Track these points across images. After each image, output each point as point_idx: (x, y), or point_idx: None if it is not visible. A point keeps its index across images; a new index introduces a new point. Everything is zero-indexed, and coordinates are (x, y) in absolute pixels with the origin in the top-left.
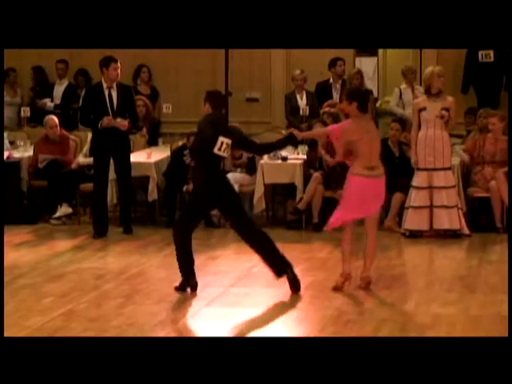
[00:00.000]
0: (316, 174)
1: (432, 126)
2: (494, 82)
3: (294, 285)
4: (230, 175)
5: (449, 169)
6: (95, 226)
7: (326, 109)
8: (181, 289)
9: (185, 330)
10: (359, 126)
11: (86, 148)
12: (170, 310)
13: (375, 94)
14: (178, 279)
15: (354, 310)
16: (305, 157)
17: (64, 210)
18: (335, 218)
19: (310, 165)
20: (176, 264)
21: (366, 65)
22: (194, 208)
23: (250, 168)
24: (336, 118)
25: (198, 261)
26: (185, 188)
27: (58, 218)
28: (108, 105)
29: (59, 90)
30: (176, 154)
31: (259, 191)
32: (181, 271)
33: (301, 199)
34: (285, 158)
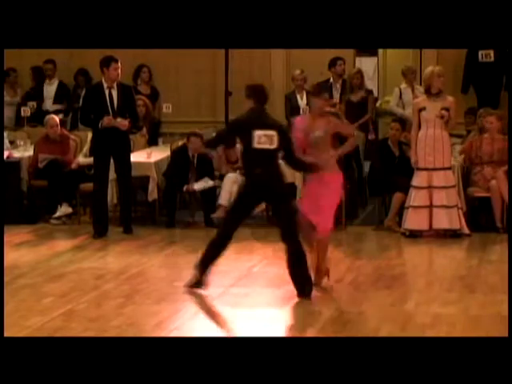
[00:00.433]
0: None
1: (432, 125)
2: (494, 82)
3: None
4: (229, 175)
5: (449, 168)
6: (95, 225)
7: (327, 109)
8: (196, 285)
9: (185, 330)
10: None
11: (86, 148)
12: (170, 310)
13: (375, 93)
14: (178, 279)
15: (354, 309)
16: None
17: (64, 209)
18: (332, 224)
19: None
20: (176, 263)
21: (366, 65)
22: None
23: None
24: (336, 118)
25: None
26: (185, 188)
27: (58, 218)
28: (108, 104)
29: (50, 89)
30: (176, 154)
31: None
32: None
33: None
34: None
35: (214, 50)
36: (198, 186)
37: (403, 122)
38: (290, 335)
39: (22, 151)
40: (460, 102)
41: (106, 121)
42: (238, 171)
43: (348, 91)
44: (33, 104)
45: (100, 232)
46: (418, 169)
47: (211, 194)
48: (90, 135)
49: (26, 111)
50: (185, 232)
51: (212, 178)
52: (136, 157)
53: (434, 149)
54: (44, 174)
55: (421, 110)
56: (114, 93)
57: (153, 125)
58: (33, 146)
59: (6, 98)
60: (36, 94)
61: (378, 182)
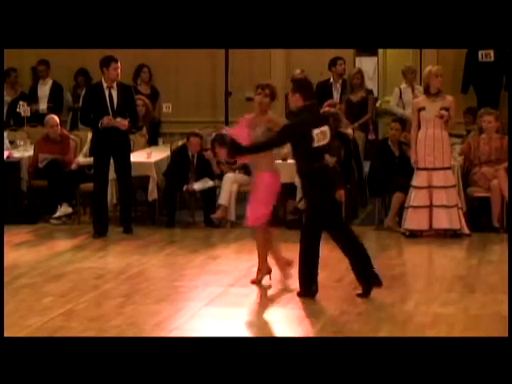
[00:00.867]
0: None
1: (432, 125)
2: (494, 82)
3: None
4: (229, 175)
5: (448, 168)
6: (95, 225)
7: (326, 108)
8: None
9: (185, 329)
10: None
11: (86, 148)
12: (170, 310)
13: (375, 93)
14: (178, 278)
15: (354, 309)
16: None
17: (64, 209)
18: (261, 214)
19: None
20: (176, 263)
21: (366, 64)
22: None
23: (247, 169)
24: (336, 118)
25: (198, 260)
26: (185, 188)
27: (58, 218)
28: (108, 104)
29: (44, 90)
30: (176, 154)
31: None
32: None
33: (301, 199)
34: (285, 158)
35: (213, 50)
36: (198, 185)
37: (403, 122)
38: (290, 335)
39: (22, 151)
40: (460, 101)
41: (106, 121)
42: (237, 171)
43: (348, 91)
44: (24, 103)
45: (100, 232)
46: (418, 169)
47: (211, 193)
48: (89, 135)
49: (25, 111)
50: (185, 232)
51: (212, 178)
52: (136, 157)
53: (433, 149)
54: (44, 173)
55: (420, 109)
56: (114, 93)
57: (153, 125)
58: (33, 146)
59: (7, 98)
60: (33, 94)
61: (378, 182)
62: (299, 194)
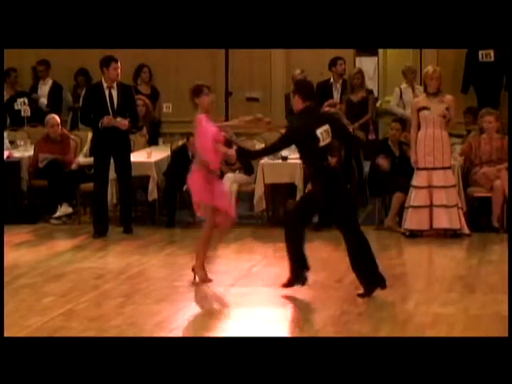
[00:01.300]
0: None
1: (431, 125)
2: (495, 82)
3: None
4: (228, 175)
5: (448, 168)
6: (95, 225)
7: (327, 108)
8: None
9: (185, 330)
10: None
11: (86, 148)
12: (170, 310)
13: (375, 93)
14: (178, 278)
15: (354, 309)
16: None
17: (64, 209)
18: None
19: None
20: (176, 263)
21: (367, 64)
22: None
23: (247, 169)
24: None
25: None
26: (185, 188)
27: (58, 218)
28: (108, 104)
29: (44, 89)
30: (176, 154)
31: (259, 191)
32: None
33: None
34: (285, 158)
35: (214, 50)
36: None
37: (403, 122)
38: (291, 335)
39: (22, 151)
40: (460, 101)
41: (106, 120)
42: (236, 171)
43: (349, 91)
44: (23, 100)
45: (100, 232)
46: (418, 168)
47: None
48: (90, 135)
49: (26, 111)
50: (185, 232)
51: None
52: (136, 156)
53: (433, 148)
54: (44, 173)
55: (420, 109)
56: (114, 92)
57: (153, 124)
58: (33, 146)
59: (7, 98)
60: (33, 93)
61: (378, 182)
62: (300, 194)
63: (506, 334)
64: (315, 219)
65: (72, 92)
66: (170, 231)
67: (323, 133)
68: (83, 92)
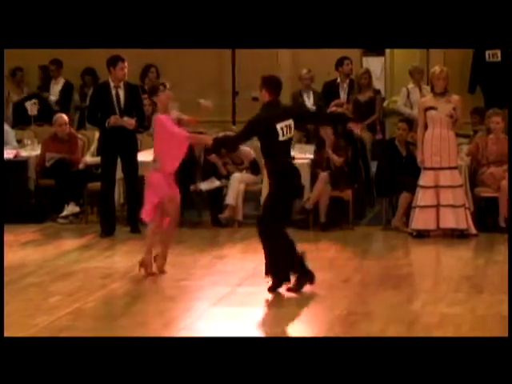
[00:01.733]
0: (323, 174)
1: (438, 125)
2: (501, 82)
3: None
4: (236, 175)
5: (455, 168)
6: (102, 225)
7: (333, 108)
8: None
9: (192, 329)
10: None
11: (94, 147)
12: (177, 310)
13: (382, 93)
14: (184, 278)
15: (361, 310)
16: (312, 156)
17: (71, 208)
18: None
19: (317, 164)
20: (184, 263)
21: (373, 64)
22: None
23: (254, 170)
24: None
25: (205, 260)
26: (192, 187)
27: (65, 217)
28: (115, 104)
29: (56, 88)
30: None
31: (266, 191)
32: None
33: (308, 199)
34: (292, 158)
35: (220, 50)
36: (205, 185)
37: (410, 122)
38: (297, 335)
39: (30, 150)
40: (467, 101)
41: (113, 120)
42: (244, 171)
43: (356, 91)
44: (34, 101)
45: (107, 231)
46: (425, 168)
47: (218, 193)
48: (97, 134)
49: (32, 110)
50: (192, 231)
51: (218, 177)
52: (143, 156)
53: (440, 148)
54: (51, 173)
55: (427, 109)
56: (121, 92)
57: None
58: (40, 145)
59: (13, 97)
60: (42, 91)
61: (385, 182)
62: (306, 194)
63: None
64: (322, 219)
65: (79, 91)
66: (178, 231)
67: (284, 128)
68: (90, 91)
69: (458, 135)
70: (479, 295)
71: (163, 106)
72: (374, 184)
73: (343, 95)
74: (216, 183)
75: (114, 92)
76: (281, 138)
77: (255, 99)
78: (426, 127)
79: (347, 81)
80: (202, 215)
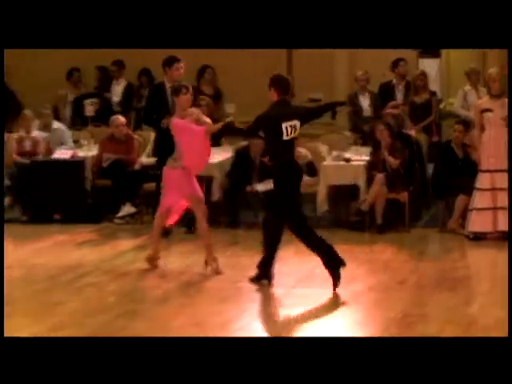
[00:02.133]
0: (379, 176)
1: (495, 127)
2: None
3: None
4: None
5: None
6: None
7: (389, 110)
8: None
9: (248, 330)
10: None
11: (149, 148)
12: (231, 311)
13: (438, 95)
14: (241, 279)
15: (417, 312)
16: (368, 158)
17: (127, 209)
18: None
19: (373, 166)
20: (239, 264)
21: (429, 66)
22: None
23: (310, 172)
24: (400, 120)
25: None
26: (248, 188)
27: (122, 218)
28: (171, 104)
29: (117, 89)
30: (239, 154)
31: (322, 192)
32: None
33: (364, 201)
34: (348, 160)
35: (276, 51)
36: (261, 187)
37: (467, 124)
38: (354, 335)
39: (86, 150)
40: None
41: (169, 120)
42: None
43: (412, 93)
44: (93, 101)
45: (163, 232)
46: (481, 170)
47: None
48: (152, 135)
49: (90, 110)
50: (248, 232)
51: None
52: None
53: (497, 150)
54: (108, 173)
55: (483, 111)
56: None
57: None
58: (96, 146)
59: (70, 98)
60: (103, 92)
61: (441, 184)
62: (362, 196)
63: None
64: (378, 221)
65: (135, 92)
66: (234, 232)
67: (289, 127)
68: (146, 92)
69: None
70: None
71: (181, 108)
72: (430, 186)
73: (399, 96)
74: (272, 185)
75: (169, 93)
76: (285, 138)
77: (312, 100)
78: (483, 129)
79: (403, 82)
80: (258, 216)
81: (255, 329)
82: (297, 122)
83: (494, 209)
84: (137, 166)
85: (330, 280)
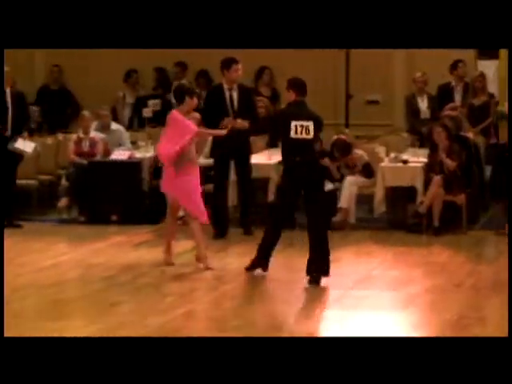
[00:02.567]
0: (437, 178)
1: None
2: None
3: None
4: (349, 178)
5: None
6: (215, 226)
7: (447, 112)
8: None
9: (301, 331)
10: None
11: (207, 149)
12: (288, 312)
13: (496, 97)
14: (297, 281)
15: (474, 314)
16: (425, 160)
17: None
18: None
19: (430, 168)
20: (295, 266)
21: (487, 67)
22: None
23: (367, 173)
24: (457, 122)
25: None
26: None
27: (179, 219)
28: (229, 106)
29: None
30: None
31: (379, 194)
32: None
33: (421, 202)
34: (405, 161)
35: (334, 52)
36: None
37: None
38: (410, 336)
39: (144, 152)
40: None
41: (227, 122)
42: (357, 174)
43: (470, 95)
44: (154, 102)
45: (220, 233)
46: None
47: (331, 196)
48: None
49: (147, 112)
50: (305, 234)
51: (332, 180)
52: (256, 158)
53: None
54: None
55: None
56: (235, 94)
57: None
58: (153, 147)
59: (128, 100)
60: (166, 93)
61: (499, 187)
62: (420, 198)
63: None
64: (435, 223)
65: None
66: (290, 233)
67: (299, 126)
68: (204, 94)
69: None
70: None
71: (186, 110)
72: (487, 188)
73: (458, 98)
74: (329, 186)
75: (227, 94)
76: (293, 135)
77: (370, 102)
78: None
79: (461, 84)
80: None
81: (310, 330)
82: (310, 124)
83: None
84: None
85: (388, 282)
